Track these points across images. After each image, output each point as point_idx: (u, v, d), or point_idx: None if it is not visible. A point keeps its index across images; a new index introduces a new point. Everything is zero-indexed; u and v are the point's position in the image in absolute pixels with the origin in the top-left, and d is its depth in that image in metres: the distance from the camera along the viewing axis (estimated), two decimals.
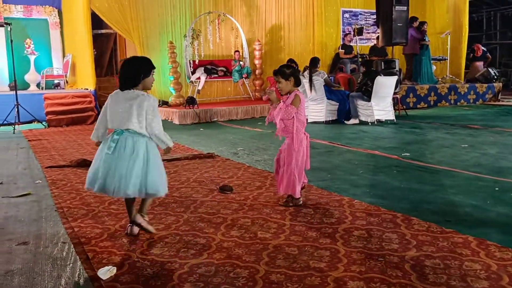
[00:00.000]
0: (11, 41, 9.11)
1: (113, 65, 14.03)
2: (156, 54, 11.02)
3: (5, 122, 9.02)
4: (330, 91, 8.72)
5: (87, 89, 10.67)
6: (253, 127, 8.42)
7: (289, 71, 3.50)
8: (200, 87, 10.94)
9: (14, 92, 8.96)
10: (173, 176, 4.59)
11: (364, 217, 3.20)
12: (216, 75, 11.29)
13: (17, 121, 8.91)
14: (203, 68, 11.09)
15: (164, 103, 10.73)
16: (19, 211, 3.56)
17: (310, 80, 8.52)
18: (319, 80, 8.54)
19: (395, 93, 9.00)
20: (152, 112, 2.90)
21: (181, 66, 10.98)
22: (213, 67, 11.30)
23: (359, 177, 4.44)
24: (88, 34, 10.28)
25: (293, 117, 3.44)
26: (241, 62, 11.25)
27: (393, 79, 8.48)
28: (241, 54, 11.49)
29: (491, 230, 2.93)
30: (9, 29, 9.07)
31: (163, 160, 5.22)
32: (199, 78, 10.93)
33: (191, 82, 10.96)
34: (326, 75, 8.89)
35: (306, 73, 8.70)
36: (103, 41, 13.56)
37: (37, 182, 4.51)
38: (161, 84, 11.04)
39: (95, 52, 10.86)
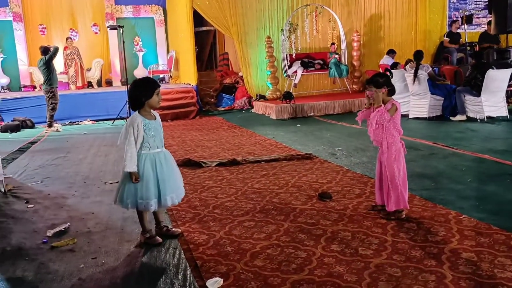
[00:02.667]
0: (123, 42, 9.86)
1: (212, 60, 14.57)
2: (254, 48, 11.25)
3: (118, 116, 9.85)
4: (434, 85, 8.24)
5: (189, 84, 11.23)
6: (351, 123, 8.27)
7: (382, 80, 3.39)
8: (296, 81, 10.97)
9: (126, 88, 9.74)
10: (272, 179, 4.70)
11: (473, 237, 3.02)
12: (313, 68, 11.23)
13: (128, 116, 9.67)
14: (299, 61, 11.09)
15: (261, 97, 10.95)
16: (135, 212, 3.90)
17: (415, 74, 8.12)
18: (422, 74, 8.12)
19: (509, 86, 8.25)
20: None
21: (278, 60, 11.08)
22: (309, 60, 11.25)
23: (467, 186, 4.18)
24: (190, 31, 10.79)
25: (384, 125, 3.35)
26: (337, 55, 11.05)
27: (507, 72, 7.76)
28: (337, 46, 11.28)
29: None
30: (121, 31, 9.82)
31: (263, 160, 5.41)
32: (295, 71, 10.96)
33: (288, 76, 11.02)
34: (430, 69, 8.42)
35: (408, 67, 8.32)
36: (204, 37, 14.12)
37: None
38: (258, 79, 11.26)
39: (197, 49, 11.37)
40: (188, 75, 11.58)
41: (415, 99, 8.38)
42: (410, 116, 8.44)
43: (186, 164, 5.49)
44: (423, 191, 4.08)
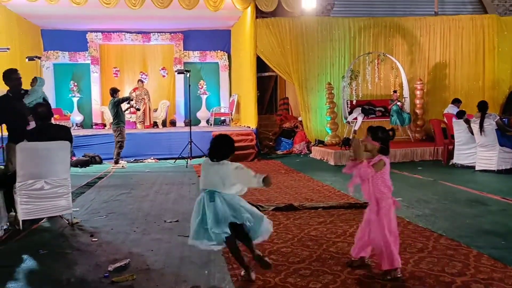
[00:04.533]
0: (189, 85, 10.33)
1: (272, 104, 14.85)
2: (314, 94, 11.37)
3: (181, 156, 10.18)
4: (504, 136, 7.86)
5: (249, 127, 11.46)
6: (413, 173, 8.01)
7: (381, 135, 3.31)
8: (356, 127, 10.88)
9: (189, 129, 10.11)
10: (329, 227, 4.61)
11: None
12: (374, 115, 11.11)
13: (190, 155, 9.99)
14: (360, 108, 11.04)
15: (319, 143, 10.93)
16: (192, 251, 3.96)
17: (481, 125, 7.82)
18: (490, 124, 7.79)
19: None
20: None
21: (338, 106, 11.09)
22: (370, 107, 11.17)
23: None
24: (253, 76, 11.13)
25: (370, 180, 3.23)
26: (398, 102, 10.88)
27: None
28: (399, 93, 11.14)
29: None
30: (188, 75, 10.32)
31: (320, 207, 5.34)
32: (356, 118, 10.89)
33: (348, 122, 10.97)
34: (498, 118, 8.07)
35: (475, 117, 8.03)
36: (265, 81, 14.49)
37: None
38: (317, 124, 11.30)
39: (258, 93, 11.67)
40: (248, 118, 11.85)
41: (482, 150, 8.02)
42: (477, 168, 8.06)
43: None
44: (492, 249, 3.82)
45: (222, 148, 3.28)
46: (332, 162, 9.51)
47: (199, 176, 8.18)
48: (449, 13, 13.19)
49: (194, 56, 14.32)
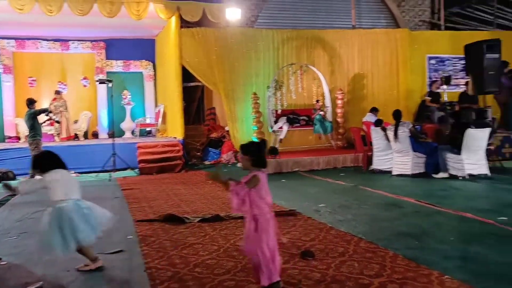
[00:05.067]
0: (112, 96, 9.98)
1: (200, 114, 14.75)
2: (240, 104, 11.45)
3: (103, 169, 9.77)
4: (417, 142, 8.40)
5: (176, 138, 11.28)
6: (335, 179, 8.31)
7: (252, 148, 3.25)
8: (282, 136, 11.10)
9: (112, 141, 9.74)
10: None
11: None
12: (298, 124, 11.41)
13: (113, 168, 9.61)
14: (285, 117, 11.28)
15: None
16: (113, 269, 3.79)
17: (396, 132, 8.31)
18: (404, 131, 8.30)
19: (489, 145, 8.44)
20: None
21: (264, 116, 11.25)
22: (295, 117, 11.45)
23: (450, 246, 4.17)
24: (179, 87, 10.98)
25: (246, 197, 3.10)
26: (321, 111, 11.28)
27: (486, 131, 7.98)
28: (322, 103, 11.54)
29: None
30: (110, 85, 9.97)
31: (243, 216, 5.34)
32: (281, 127, 11.11)
33: (274, 131, 11.16)
34: (411, 125, 8.62)
35: (391, 126, 8.51)
36: (192, 91, 14.36)
37: (129, 237, 4.79)
38: (244, 133, 11.38)
39: (185, 104, 11.54)
40: (175, 129, 11.66)
41: (398, 156, 8.51)
42: (394, 173, 8.53)
43: (168, 219, 5.41)
44: (407, 250, 4.04)
45: None
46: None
47: (122, 189, 7.92)
48: (366, 26, 13.95)
49: (117, 66, 13.88)
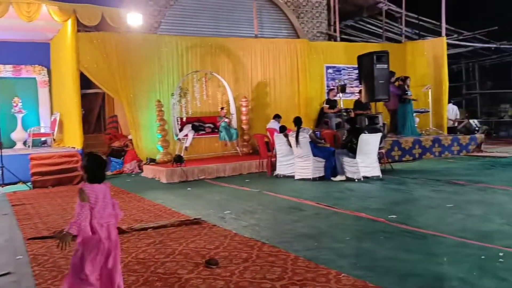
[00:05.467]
0: None
1: (101, 122, 14.09)
2: (144, 111, 11.15)
3: None
4: (316, 148, 8.82)
5: (74, 148, 10.66)
6: (241, 186, 8.42)
7: (85, 163, 3.06)
8: (187, 144, 11.00)
9: None
10: (158, 247, 4.52)
11: None
12: (204, 132, 11.39)
13: (1, 183, 8.81)
14: (190, 125, 11.20)
15: (151, 161, 10.74)
16: None
17: (297, 138, 8.65)
18: (305, 137, 8.66)
19: (380, 148, 9.13)
20: None
21: (169, 124, 11.08)
22: (200, 124, 11.41)
23: (346, 245, 4.42)
24: (76, 94, 10.41)
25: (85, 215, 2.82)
26: (226, 119, 11.38)
27: (377, 136, 8.62)
28: (227, 110, 11.65)
29: None
30: None
31: (150, 227, 5.21)
32: (186, 135, 11.01)
33: (179, 139, 11.02)
34: (311, 131, 9.03)
35: (293, 132, 8.84)
36: (92, 99, 13.68)
37: (18, 257, 4.41)
38: (148, 142, 11.10)
39: (83, 112, 10.95)
40: (73, 138, 11.01)
41: (299, 161, 8.86)
42: (296, 178, 8.86)
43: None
44: (307, 251, 4.22)
45: None
46: (164, 180, 9.41)
47: (12, 205, 7.28)
48: (268, 36, 14.38)
49: (6, 71, 12.75)
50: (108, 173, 11.14)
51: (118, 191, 8.47)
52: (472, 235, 4.52)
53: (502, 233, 4.60)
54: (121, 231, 5.15)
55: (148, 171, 10.42)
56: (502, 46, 17.04)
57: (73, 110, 10.62)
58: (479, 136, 12.57)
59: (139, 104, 11.12)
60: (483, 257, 3.87)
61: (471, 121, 13.19)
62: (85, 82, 11.29)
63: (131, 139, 11.46)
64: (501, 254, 3.90)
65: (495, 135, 17.46)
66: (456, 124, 13.98)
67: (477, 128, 12.84)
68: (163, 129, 10.78)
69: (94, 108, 14.38)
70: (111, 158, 11.57)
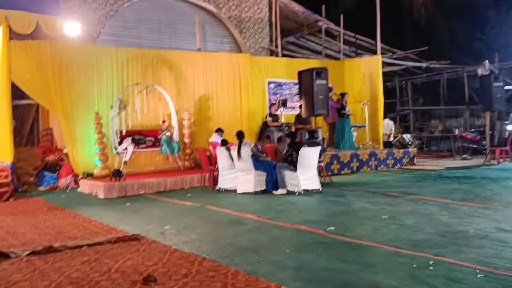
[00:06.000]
0: None
1: (34, 135, 13.40)
2: (81, 124, 10.75)
3: None
4: (258, 161, 8.89)
5: (3, 162, 10.04)
6: (182, 200, 8.30)
7: None
8: (127, 158, 10.71)
9: None
10: (93, 265, 4.34)
11: None
12: (144, 145, 11.15)
13: None
14: (130, 138, 10.93)
15: (88, 175, 10.34)
16: None
17: (239, 152, 8.68)
18: (247, 151, 8.71)
19: (319, 162, 9.37)
20: None
21: (108, 137, 10.74)
22: (141, 137, 11.16)
23: (286, 257, 4.47)
24: (7, 105, 9.87)
25: None
26: (168, 132, 11.20)
27: (317, 150, 8.84)
28: (168, 124, 11.49)
29: None
30: None
31: (85, 245, 4.99)
32: (126, 148, 10.73)
33: (118, 153, 10.71)
34: (253, 145, 9.10)
35: (235, 145, 8.86)
36: (24, 110, 13.01)
37: None
38: (86, 155, 10.69)
39: (15, 124, 10.37)
40: (2, 152, 10.34)
41: (241, 174, 8.88)
42: (238, 191, 8.86)
43: None
44: (247, 265, 4.21)
45: None
46: (102, 195, 9.08)
47: None
48: (210, 49, 14.45)
49: None
50: (41, 188, 10.60)
51: (52, 207, 8.08)
52: (404, 245, 4.72)
53: (432, 242, 4.85)
54: (52, 250, 4.92)
55: (85, 186, 10.02)
56: (432, 66, 18.13)
57: (3, 122, 10.02)
58: (412, 150, 13.23)
59: (76, 116, 10.70)
60: (414, 265, 4.05)
61: (404, 136, 13.86)
62: (18, 92, 10.74)
63: (66, 153, 10.99)
64: (431, 262, 4.10)
65: (427, 149, 18.45)
66: (391, 139, 14.65)
67: (410, 143, 13.52)
68: (102, 142, 10.43)
69: (27, 120, 13.67)
70: (45, 172, 11.02)
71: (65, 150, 11.15)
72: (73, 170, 10.81)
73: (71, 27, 10.62)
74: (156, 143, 11.27)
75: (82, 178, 10.41)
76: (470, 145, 15.01)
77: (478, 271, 3.82)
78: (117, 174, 9.43)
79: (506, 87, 14.41)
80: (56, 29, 10.32)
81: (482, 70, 14.44)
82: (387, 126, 14.91)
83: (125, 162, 10.63)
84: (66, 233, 5.89)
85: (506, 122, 13.41)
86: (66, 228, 6.20)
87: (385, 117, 15.33)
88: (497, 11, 22.07)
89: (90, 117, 10.62)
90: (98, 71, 11.08)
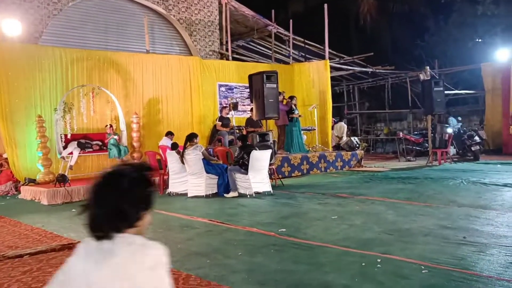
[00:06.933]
0: None
1: None
2: (22, 128, 10.23)
3: None
4: (209, 164, 8.82)
5: None
6: None
7: None
8: (72, 163, 10.29)
9: None
10: (36, 275, 4.13)
11: None
12: (91, 149, 10.77)
13: None
14: (76, 142, 10.51)
15: (30, 181, 9.85)
16: None
17: (182, 155, 8.59)
18: (197, 154, 8.62)
19: (270, 164, 9.44)
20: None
21: (52, 141, 10.28)
22: (87, 141, 10.77)
23: (238, 260, 4.45)
24: None
25: None
26: (115, 136, 10.85)
27: (268, 152, 8.90)
28: (115, 127, 11.15)
29: None
30: None
31: (27, 254, 4.74)
32: (71, 153, 10.30)
33: (63, 157, 10.27)
34: (204, 149, 9.01)
35: (186, 148, 8.75)
36: None
37: None
38: (27, 161, 10.18)
39: None
40: None
41: (192, 178, 8.78)
42: (189, 195, 8.75)
43: None
44: (199, 269, 4.15)
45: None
46: (45, 202, 8.68)
47: None
48: (160, 52, 14.22)
49: None
50: None
51: None
52: (354, 244, 4.83)
53: (380, 240, 5.00)
54: None
55: (27, 193, 9.53)
56: (377, 71, 18.79)
57: None
58: (360, 152, 13.63)
59: (17, 119, 10.18)
60: (363, 264, 4.15)
61: (352, 138, 14.24)
62: None
63: (6, 158, 10.42)
64: (379, 260, 4.22)
65: (373, 151, 19.09)
66: (342, 141, 14.98)
67: (357, 145, 13.91)
68: (45, 146, 9.98)
69: None
70: None
71: (4, 155, 10.58)
72: (13, 176, 10.27)
73: (11, 26, 10.12)
74: (103, 146, 10.91)
75: (23, 184, 9.91)
76: (413, 147, 15.66)
77: (423, 267, 3.96)
78: (62, 179, 9.04)
79: (446, 92, 15.17)
80: None
81: (423, 76, 15.12)
82: (340, 128, 15.22)
83: (71, 167, 10.21)
84: (5, 242, 5.56)
85: (446, 125, 14.10)
86: (5, 237, 5.86)
87: (341, 119, 15.75)
88: (435, 20, 23.29)
89: (32, 121, 10.14)
90: (41, 72, 10.60)
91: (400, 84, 20.53)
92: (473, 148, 14.02)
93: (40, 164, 9.98)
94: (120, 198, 1.58)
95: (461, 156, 14.61)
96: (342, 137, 14.90)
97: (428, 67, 15.89)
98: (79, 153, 10.42)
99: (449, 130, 13.64)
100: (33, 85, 10.46)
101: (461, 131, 15.01)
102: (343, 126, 15.35)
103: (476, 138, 14.15)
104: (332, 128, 14.84)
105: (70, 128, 10.55)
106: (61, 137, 10.38)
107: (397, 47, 24.41)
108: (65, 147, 10.38)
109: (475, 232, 5.15)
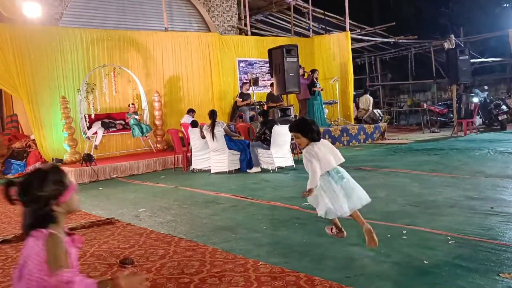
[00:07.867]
0: None
1: None
2: (47, 109, 10.41)
3: None
4: (231, 141, 8.85)
5: None
6: (156, 182, 8.21)
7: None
8: (97, 142, 10.48)
9: None
10: None
11: (269, 282, 3.22)
12: (115, 129, 10.92)
13: None
14: (100, 122, 10.68)
15: (58, 161, 10.09)
16: None
17: (212, 131, 8.61)
18: (220, 131, 8.65)
19: (292, 139, 9.39)
20: None
21: (76, 121, 10.46)
22: (110, 121, 10.92)
23: (263, 234, 4.50)
24: None
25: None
26: (136, 116, 10.94)
27: None
28: (137, 106, 11.26)
29: (386, 283, 3.10)
30: None
31: None
32: (96, 133, 10.48)
33: (88, 137, 10.46)
34: (225, 125, 9.04)
35: (207, 125, 8.78)
36: None
37: None
38: (54, 141, 10.40)
39: None
40: None
41: (215, 154, 8.84)
42: (212, 171, 8.83)
43: None
44: (224, 243, 4.22)
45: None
46: (73, 181, 8.87)
47: None
48: (178, 29, 14.14)
49: None
50: (9, 176, 10.29)
51: None
52: (378, 216, 4.82)
53: (405, 212, 4.97)
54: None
55: None
56: (399, 41, 18.33)
57: None
58: (382, 125, 13.45)
59: (42, 101, 10.35)
60: (389, 235, 4.14)
61: (375, 111, 14.05)
62: None
63: (34, 139, 10.67)
64: (404, 231, 4.21)
65: (396, 123, 18.81)
66: (365, 114, 14.79)
67: (380, 118, 13.72)
68: (70, 127, 10.16)
69: None
70: (12, 160, 10.69)
71: (32, 137, 10.84)
72: (41, 156, 10.52)
73: (31, 9, 10.21)
74: (126, 126, 11.05)
75: None
76: (438, 118, 15.36)
77: (449, 238, 3.93)
78: (88, 158, 9.23)
79: (472, 60, 14.74)
80: (15, 11, 9.90)
81: (448, 44, 14.69)
82: (366, 101, 14.98)
83: (96, 147, 10.41)
84: None
85: (472, 95, 13.75)
86: None
87: (365, 92, 15.52)
88: None
89: (57, 102, 10.30)
90: (62, 53, 10.70)
91: (423, 54, 20.02)
92: (500, 118, 13.67)
93: (67, 144, 10.18)
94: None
95: (487, 126, 14.28)
96: (368, 109, 14.63)
97: (453, 35, 15.42)
98: (104, 133, 10.59)
99: (475, 100, 13.30)
100: (55, 66, 10.59)
101: (488, 100, 14.62)
102: (368, 98, 15.07)
103: (503, 107, 13.78)
104: (354, 101, 14.64)
105: (93, 108, 10.70)
106: (85, 117, 10.55)
107: (420, 16, 23.72)
108: (89, 127, 10.56)
109: (502, 202, 5.07)
